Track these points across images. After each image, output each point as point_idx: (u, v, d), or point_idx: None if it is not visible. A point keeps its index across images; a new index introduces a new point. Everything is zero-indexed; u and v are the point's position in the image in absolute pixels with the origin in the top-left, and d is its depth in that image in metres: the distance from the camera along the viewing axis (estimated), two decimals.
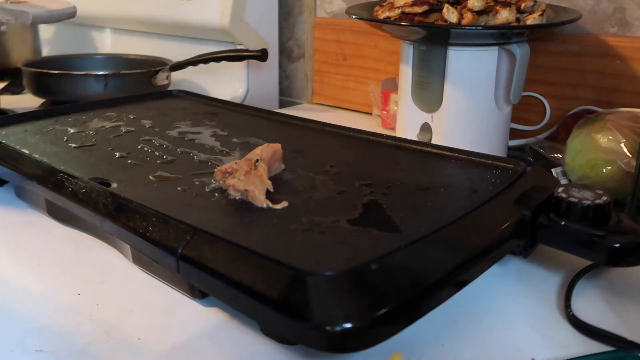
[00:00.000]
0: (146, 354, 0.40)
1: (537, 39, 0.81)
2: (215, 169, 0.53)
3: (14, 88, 1.14)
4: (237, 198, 0.50)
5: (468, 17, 0.67)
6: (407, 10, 0.71)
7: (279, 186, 0.52)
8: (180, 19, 1.12)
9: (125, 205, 0.47)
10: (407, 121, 0.78)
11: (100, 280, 0.49)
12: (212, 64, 1.05)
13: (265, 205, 0.49)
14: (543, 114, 0.84)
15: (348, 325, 0.33)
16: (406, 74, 0.77)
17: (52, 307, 0.45)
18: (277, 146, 0.57)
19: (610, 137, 0.63)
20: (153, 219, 0.45)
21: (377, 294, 0.35)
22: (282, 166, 0.57)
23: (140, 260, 0.49)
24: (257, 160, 0.53)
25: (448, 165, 0.59)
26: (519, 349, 0.41)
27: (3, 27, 1.21)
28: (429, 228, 0.42)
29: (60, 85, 1.01)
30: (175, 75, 1.08)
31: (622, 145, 0.62)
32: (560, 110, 0.83)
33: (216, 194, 0.51)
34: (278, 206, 0.49)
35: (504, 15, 0.68)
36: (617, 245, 0.43)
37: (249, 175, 0.50)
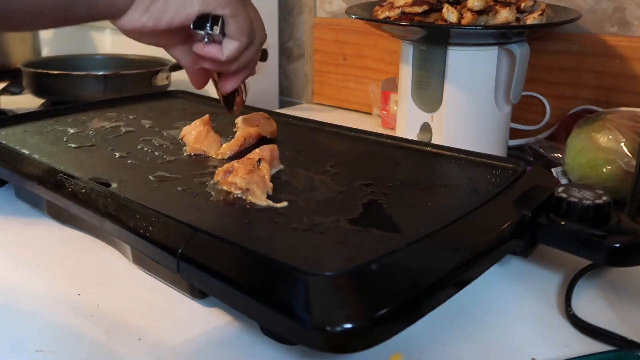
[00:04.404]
0: (146, 354, 0.40)
1: (537, 39, 0.81)
2: (218, 169, 0.53)
3: (14, 88, 1.14)
4: (238, 195, 0.50)
5: (468, 17, 0.67)
6: (407, 10, 0.71)
7: (279, 186, 0.52)
8: None
9: (125, 205, 0.47)
10: (407, 121, 0.78)
11: (100, 280, 0.49)
12: None
13: (265, 205, 0.49)
14: (543, 113, 0.84)
15: (348, 325, 0.33)
16: (406, 74, 0.77)
17: (52, 307, 0.45)
18: (273, 146, 0.57)
19: (610, 137, 0.63)
20: (153, 219, 0.45)
21: (377, 294, 0.35)
22: (281, 165, 0.57)
23: (140, 260, 0.49)
24: (259, 160, 0.53)
25: (448, 165, 0.59)
26: (519, 348, 0.41)
27: None
28: (429, 228, 0.42)
29: (60, 85, 1.01)
30: (175, 75, 1.08)
31: (622, 144, 0.62)
32: (560, 110, 0.83)
33: (216, 194, 0.51)
34: (278, 205, 0.49)
35: (504, 15, 0.68)
36: (617, 245, 0.43)
37: (251, 174, 0.50)
